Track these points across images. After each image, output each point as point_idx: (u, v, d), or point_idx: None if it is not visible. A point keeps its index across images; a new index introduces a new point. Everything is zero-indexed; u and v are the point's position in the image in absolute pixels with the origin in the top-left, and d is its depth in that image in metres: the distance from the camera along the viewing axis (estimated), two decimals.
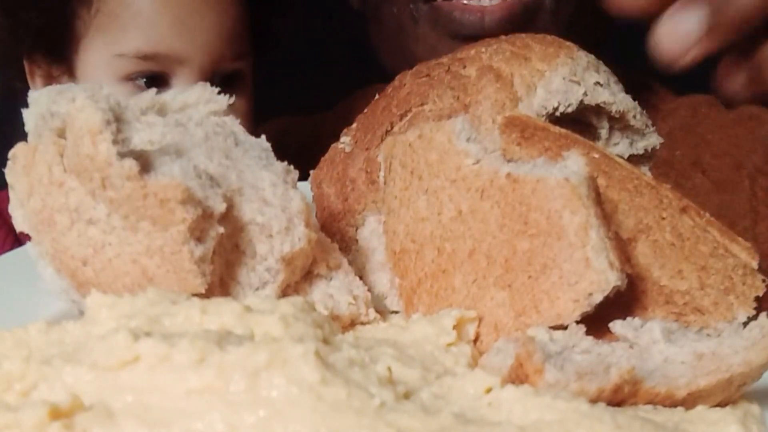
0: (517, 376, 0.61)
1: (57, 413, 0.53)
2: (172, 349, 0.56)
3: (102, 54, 1.25)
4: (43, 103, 0.74)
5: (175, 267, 0.69)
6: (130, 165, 0.66)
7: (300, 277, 0.77)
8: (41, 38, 1.28)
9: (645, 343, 0.64)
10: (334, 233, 0.84)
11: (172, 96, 0.80)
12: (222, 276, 0.73)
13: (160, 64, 1.23)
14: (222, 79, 1.27)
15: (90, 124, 0.67)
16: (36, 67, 1.32)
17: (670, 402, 0.61)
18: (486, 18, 1.19)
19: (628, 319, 0.67)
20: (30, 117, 0.75)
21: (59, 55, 1.29)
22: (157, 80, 1.23)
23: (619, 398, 0.60)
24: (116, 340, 0.56)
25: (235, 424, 0.53)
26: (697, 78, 0.88)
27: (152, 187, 0.67)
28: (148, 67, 1.23)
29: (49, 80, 1.32)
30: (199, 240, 0.69)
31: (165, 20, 1.23)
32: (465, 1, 1.20)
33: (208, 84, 0.82)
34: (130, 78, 1.24)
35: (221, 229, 0.70)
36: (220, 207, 0.70)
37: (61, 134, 0.73)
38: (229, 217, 0.72)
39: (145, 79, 1.23)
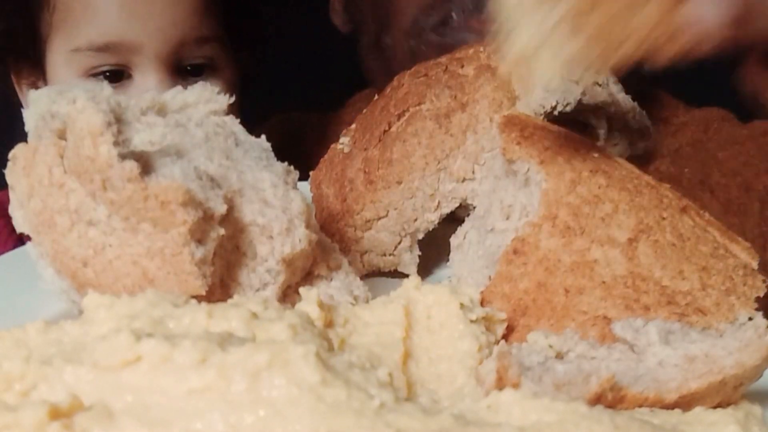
0: (501, 389, 0.61)
1: (56, 413, 0.53)
2: (174, 349, 0.56)
3: (61, 51, 1.22)
4: (44, 104, 0.74)
5: (176, 269, 0.68)
6: (131, 167, 0.66)
7: (300, 278, 0.77)
8: (10, 42, 1.26)
9: (643, 345, 0.65)
10: (333, 233, 0.84)
11: (172, 95, 0.80)
12: (222, 277, 0.73)
13: (115, 55, 1.19)
14: (191, 70, 1.24)
15: (91, 125, 0.67)
16: (21, 78, 1.32)
17: (661, 406, 0.61)
18: None
19: (630, 319, 0.67)
20: (30, 117, 0.75)
21: (32, 58, 1.28)
22: (118, 74, 1.19)
23: (604, 405, 0.60)
24: (118, 341, 0.56)
25: (235, 424, 0.53)
26: (712, 87, 0.87)
27: (153, 188, 0.67)
28: (105, 60, 1.20)
29: (36, 88, 1.31)
30: (200, 242, 0.69)
31: (113, 9, 1.19)
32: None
33: (209, 84, 0.81)
34: (90, 74, 1.21)
35: (222, 231, 0.70)
36: (220, 208, 0.70)
37: (62, 135, 0.73)
38: (229, 218, 0.72)
39: (106, 74, 1.20)
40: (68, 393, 0.55)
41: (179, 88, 0.81)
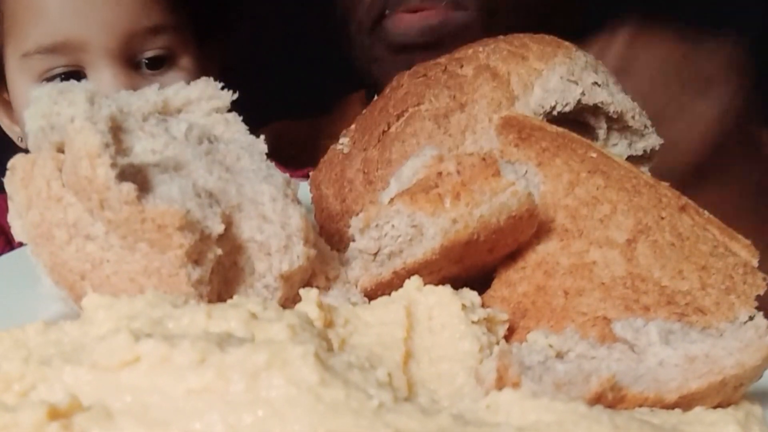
0: (501, 388, 0.61)
1: (55, 413, 0.52)
2: (172, 349, 0.56)
3: (14, 58, 1.21)
4: (44, 103, 0.73)
5: (173, 288, 0.68)
6: (128, 189, 0.65)
7: (298, 291, 0.76)
8: None
9: (643, 345, 0.64)
10: (333, 234, 0.84)
11: (174, 92, 0.79)
12: (220, 293, 0.72)
13: (65, 55, 1.16)
14: (149, 63, 1.20)
15: (88, 147, 0.66)
16: None
17: (661, 405, 0.61)
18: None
19: (630, 319, 0.67)
20: (31, 117, 0.75)
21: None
22: (73, 76, 1.16)
23: (604, 405, 0.60)
24: (117, 341, 0.56)
25: (233, 424, 0.53)
26: None
27: (150, 212, 0.66)
28: (56, 62, 1.17)
29: (4, 104, 1.30)
30: (197, 262, 0.68)
31: (55, 9, 1.17)
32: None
33: (211, 79, 0.80)
34: (44, 77, 1.19)
35: (219, 251, 0.70)
36: (218, 228, 0.70)
37: (60, 148, 0.73)
38: (228, 234, 0.71)
39: (61, 77, 1.17)
40: (67, 393, 0.55)
41: (182, 83, 0.80)
